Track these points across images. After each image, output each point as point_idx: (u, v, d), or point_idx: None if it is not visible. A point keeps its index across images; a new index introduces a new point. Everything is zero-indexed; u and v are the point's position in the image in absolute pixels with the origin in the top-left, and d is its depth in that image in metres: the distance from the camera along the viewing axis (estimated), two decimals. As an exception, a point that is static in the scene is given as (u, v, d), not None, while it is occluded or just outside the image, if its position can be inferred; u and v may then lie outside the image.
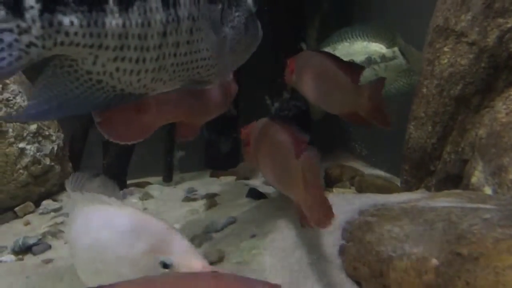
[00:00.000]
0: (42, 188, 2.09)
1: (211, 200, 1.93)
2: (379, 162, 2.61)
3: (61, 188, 2.15)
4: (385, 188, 1.90)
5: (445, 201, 1.25)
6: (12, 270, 1.51)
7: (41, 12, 0.95)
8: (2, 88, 1.96)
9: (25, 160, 2.02)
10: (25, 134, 2.03)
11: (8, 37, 0.94)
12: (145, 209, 1.98)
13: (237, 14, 1.24)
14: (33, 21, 0.95)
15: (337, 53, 2.17)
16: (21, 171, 2.01)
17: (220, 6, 1.19)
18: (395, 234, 1.11)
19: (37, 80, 1.06)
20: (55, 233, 1.75)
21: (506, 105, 1.45)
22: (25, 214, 1.98)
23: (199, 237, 1.57)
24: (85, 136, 2.38)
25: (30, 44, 0.96)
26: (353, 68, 1.71)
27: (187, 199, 2.05)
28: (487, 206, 1.13)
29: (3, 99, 1.95)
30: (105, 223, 0.94)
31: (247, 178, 2.29)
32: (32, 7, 0.94)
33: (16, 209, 1.99)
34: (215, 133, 2.64)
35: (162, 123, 1.43)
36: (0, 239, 1.75)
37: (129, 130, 1.36)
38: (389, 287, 1.06)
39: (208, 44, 1.17)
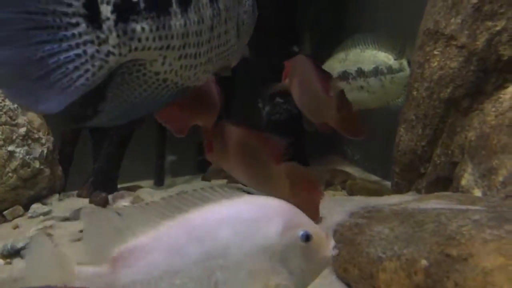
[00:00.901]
0: (31, 191, 2.07)
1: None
2: (371, 166, 2.61)
3: (51, 192, 2.14)
4: (376, 192, 1.90)
5: (435, 203, 1.25)
6: (0, 273, 1.50)
7: (116, 22, 1.01)
8: (-9, 91, 1.95)
9: (14, 163, 2.00)
10: (14, 137, 2.02)
11: (90, 49, 1.00)
12: (135, 212, 1.97)
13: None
14: (110, 31, 1.00)
15: (348, 59, 2.20)
16: (10, 174, 1.99)
17: None
18: (385, 235, 1.11)
19: (108, 88, 1.11)
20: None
21: (495, 107, 1.46)
22: (14, 218, 1.96)
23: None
24: (75, 139, 2.37)
25: (108, 53, 1.01)
26: (326, 78, 1.72)
27: (178, 202, 2.03)
28: (476, 208, 1.14)
29: (-8, 102, 1.94)
30: (229, 218, 0.81)
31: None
32: (108, 18, 1.00)
33: (5, 212, 1.97)
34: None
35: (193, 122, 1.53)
36: (-12, 242, 1.73)
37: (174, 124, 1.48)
38: (379, 288, 1.06)
39: (234, 30, 1.25)
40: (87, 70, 1.00)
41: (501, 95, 1.46)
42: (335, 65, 2.24)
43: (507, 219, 1.02)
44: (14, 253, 1.62)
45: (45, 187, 2.12)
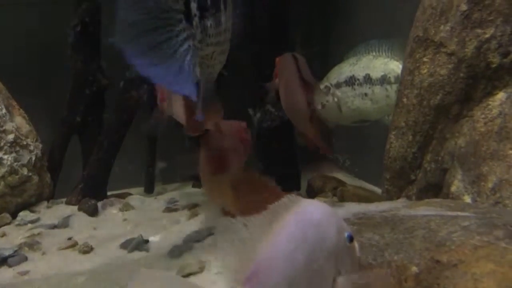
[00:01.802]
0: (19, 198, 2.05)
1: (192, 210, 1.91)
2: (362, 173, 2.62)
3: (39, 199, 2.12)
4: (367, 198, 1.90)
5: (425, 209, 1.25)
6: (-14, 282, 1.48)
7: (200, 19, 1.07)
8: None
9: (2, 170, 1.98)
10: (2, 144, 2.00)
11: (189, 43, 1.06)
12: (125, 219, 1.96)
13: None
14: (196, 27, 1.06)
15: (359, 64, 2.15)
16: (-3, 181, 1.97)
17: None
18: (376, 242, 1.11)
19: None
20: (32, 244, 1.71)
21: (485, 114, 1.46)
22: (1, 226, 1.94)
23: (180, 247, 1.55)
24: (64, 146, 2.35)
25: (196, 48, 1.07)
26: (308, 84, 1.70)
27: (168, 209, 2.03)
28: (466, 214, 1.14)
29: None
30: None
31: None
32: (195, 15, 1.06)
33: (-8, 220, 1.95)
34: (196, 144, 2.63)
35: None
36: (-25, 251, 1.71)
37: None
38: (370, 295, 1.06)
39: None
40: (189, 62, 1.06)
41: (490, 102, 1.47)
42: (344, 68, 2.20)
43: (496, 225, 1.02)
44: (1, 261, 1.60)
45: (33, 195, 2.10)
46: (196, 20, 1.05)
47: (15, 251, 1.65)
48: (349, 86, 2.17)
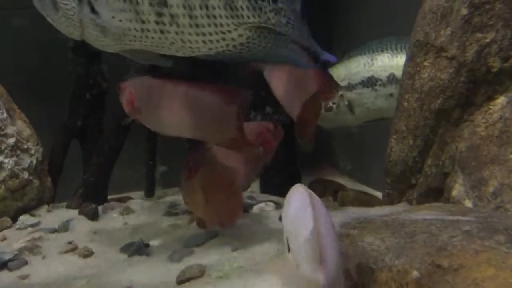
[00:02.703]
0: (20, 202, 2.05)
1: (193, 214, 1.91)
2: (363, 177, 2.62)
3: (39, 203, 2.12)
4: (368, 202, 1.90)
5: (426, 213, 1.26)
6: (-14, 286, 1.48)
7: None
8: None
9: (3, 174, 1.98)
10: (3, 147, 2.00)
11: None
12: (125, 223, 1.96)
13: None
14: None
15: (375, 64, 2.07)
16: (-2, 185, 1.97)
17: None
18: (377, 246, 1.11)
19: None
20: (32, 248, 1.71)
21: (485, 118, 1.46)
22: (1, 229, 1.93)
23: (180, 251, 1.55)
24: (65, 150, 2.35)
25: None
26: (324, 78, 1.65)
27: (169, 213, 2.02)
28: (467, 218, 1.14)
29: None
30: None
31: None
32: None
33: (-8, 224, 1.94)
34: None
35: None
36: (-25, 255, 1.71)
37: None
38: (371, 300, 1.06)
39: None
40: None
41: (491, 106, 1.47)
42: (357, 68, 2.12)
43: (497, 230, 1.02)
44: (1, 265, 1.60)
45: (33, 198, 2.10)
46: None
47: (15, 255, 1.65)
48: (367, 87, 2.09)
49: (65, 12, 1.30)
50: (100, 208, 2.07)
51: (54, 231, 1.89)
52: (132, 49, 1.34)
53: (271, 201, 2.01)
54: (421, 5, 1.65)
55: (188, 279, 1.35)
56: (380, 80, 2.08)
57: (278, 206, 1.93)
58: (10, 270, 1.59)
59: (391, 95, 2.06)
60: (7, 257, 1.62)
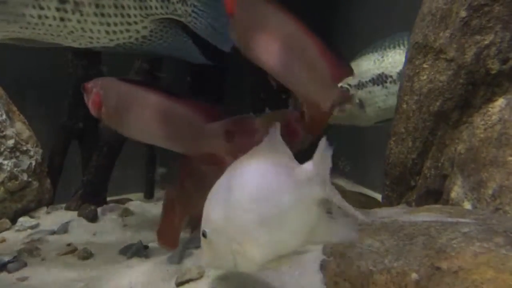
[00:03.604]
0: (19, 204, 2.05)
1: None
2: (362, 178, 2.62)
3: (39, 205, 2.12)
4: (367, 204, 1.90)
5: (425, 215, 1.25)
6: (-15, 288, 1.47)
7: None
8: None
9: (2, 176, 1.98)
10: (2, 149, 2.00)
11: None
12: (124, 225, 1.96)
13: None
14: None
15: (386, 61, 2.03)
16: (-3, 186, 1.97)
17: None
18: (376, 248, 1.10)
19: None
20: (32, 250, 1.71)
21: (484, 120, 1.47)
22: (0, 231, 1.93)
23: (179, 253, 1.54)
24: (64, 151, 2.35)
25: None
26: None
27: (168, 215, 2.02)
28: (466, 220, 1.14)
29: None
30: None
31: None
32: None
33: (-8, 225, 1.94)
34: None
35: None
36: (-26, 256, 1.70)
37: None
38: (370, 302, 1.05)
39: None
40: None
41: (490, 108, 1.47)
42: (368, 66, 2.07)
43: (497, 232, 1.02)
44: (0, 267, 1.60)
45: (33, 200, 2.10)
46: None
47: (15, 256, 1.65)
48: (377, 85, 2.05)
49: None
50: (99, 209, 2.07)
51: (53, 233, 1.89)
52: (19, 38, 1.21)
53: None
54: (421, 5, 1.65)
55: (187, 281, 1.34)
56: (391, 76, 2.04)
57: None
58: (9, 272, 1.59)
59: None
60: (6, 259, 1.62)
